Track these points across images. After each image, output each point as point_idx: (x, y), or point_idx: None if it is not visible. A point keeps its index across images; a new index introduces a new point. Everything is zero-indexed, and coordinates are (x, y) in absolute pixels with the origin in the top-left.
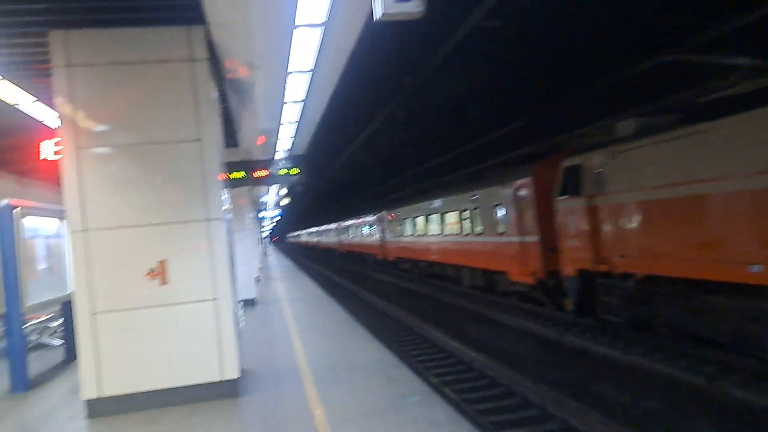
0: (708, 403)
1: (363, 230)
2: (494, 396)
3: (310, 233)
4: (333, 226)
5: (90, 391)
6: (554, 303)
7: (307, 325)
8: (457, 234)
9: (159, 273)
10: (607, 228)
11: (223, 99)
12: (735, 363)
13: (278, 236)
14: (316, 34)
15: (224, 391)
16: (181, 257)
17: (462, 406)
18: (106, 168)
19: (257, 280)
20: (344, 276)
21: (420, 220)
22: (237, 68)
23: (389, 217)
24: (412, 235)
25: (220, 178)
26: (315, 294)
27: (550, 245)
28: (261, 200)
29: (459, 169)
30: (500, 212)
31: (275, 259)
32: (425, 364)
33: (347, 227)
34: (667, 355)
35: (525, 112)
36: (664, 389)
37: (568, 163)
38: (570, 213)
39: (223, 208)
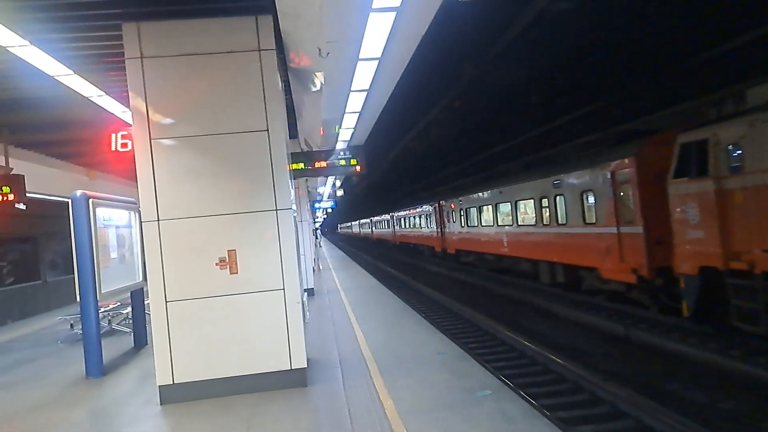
0: None
1: (420, 221)
2: (562, 392)
3: (363, 224)
4: (386, 216)
5: (164, 378)
6: (660, 305)
7: (366, 314)
8: (533, 224)
9: (229, 262)
10: (746, 216)
11: (286, 89)
12: None
13: (328, 227)
14: (388, 19)
15: (293, 380)
16: (250, 247)
17: (534, 403)
18: (177, 159)
19: (313, 270)
20: (397, 267)
21: (487, 209)
22: (303, 57)
23: (450, 207)
24: (477, 225)
25: (286, 169)
26: (369, 284)
27: (655, 237)
28: (318, 191)
29: (528, 154)
30: (590, 199)
31: (327, 250)
32: (486, 357)
33: (402, 218)
34: (744, 352)
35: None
36: (743, 389)
37: (686, 138)
38: (690, 198)
39: (290, 198)
